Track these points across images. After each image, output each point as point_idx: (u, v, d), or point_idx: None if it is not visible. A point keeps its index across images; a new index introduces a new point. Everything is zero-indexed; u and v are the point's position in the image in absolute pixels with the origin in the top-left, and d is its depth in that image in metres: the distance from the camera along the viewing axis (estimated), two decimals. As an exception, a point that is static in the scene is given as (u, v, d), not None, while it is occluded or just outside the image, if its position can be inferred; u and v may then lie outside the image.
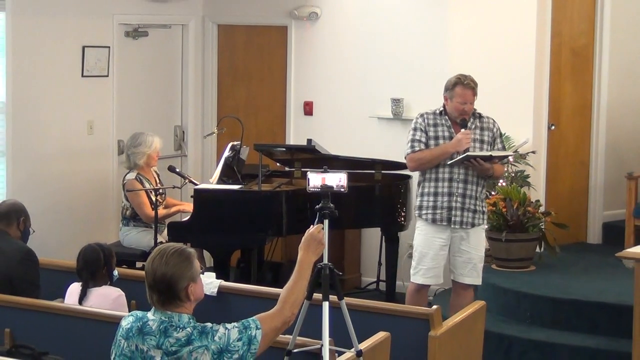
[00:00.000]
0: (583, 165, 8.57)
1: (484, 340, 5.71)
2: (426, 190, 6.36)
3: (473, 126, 6.32)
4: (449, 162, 6.26)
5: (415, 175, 7.71)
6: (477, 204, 6.33)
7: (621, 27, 8.52)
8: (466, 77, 6.27)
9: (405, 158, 6.44)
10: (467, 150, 6.21)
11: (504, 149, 6.48)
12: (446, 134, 6.30)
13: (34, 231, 5.94)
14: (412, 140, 6.34)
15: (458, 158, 6.21)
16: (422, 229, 6.41)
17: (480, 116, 6.37)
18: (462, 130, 6.24)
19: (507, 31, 8.00)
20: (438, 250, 6.34)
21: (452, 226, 6.29)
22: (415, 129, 6.36)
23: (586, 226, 8.64)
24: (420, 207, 6.39)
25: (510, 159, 7.53)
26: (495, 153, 6.28)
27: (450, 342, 5.13)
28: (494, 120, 6.42)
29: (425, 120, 6.35)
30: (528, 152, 7.88)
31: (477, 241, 6.37)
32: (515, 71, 8.00)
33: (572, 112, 8.48)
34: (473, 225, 6.32)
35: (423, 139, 6.31)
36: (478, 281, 6.43)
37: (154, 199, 7.47)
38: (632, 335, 5.81)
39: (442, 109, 6.36)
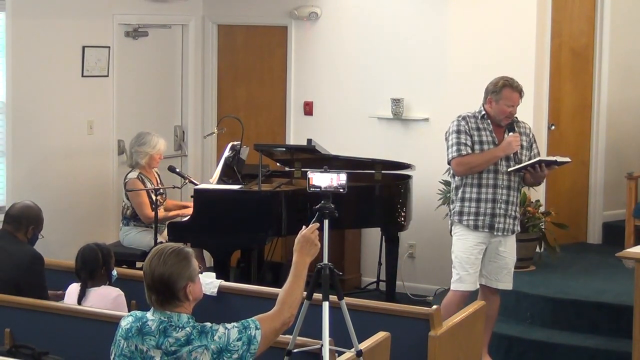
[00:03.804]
0: (583, 165, 8.57)
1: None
2: (467, 195, 6.16)
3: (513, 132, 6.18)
4: (509, 170, 6.11)
5: (416, 176, 7.76)
6: (517, 211, 6.23)
7: (621, 28, 8.52)
8: (513, 80, 6.16)
9: (449, 162, 6.18)
10: (516, 153, 6.10)
11: (539, 154, 6.32)
12: (489, 138, 6.13)
13: (42, 236, 5.93)
14: (458, 144, 6.10)
15: (528, 162, 6.08)
16: (461, 235, 6.21)
17: (517, 120, 6.24)
18: (511, 133, 6.10)
19: (507, 31, 7.99)
20: (478, 256, 6.18)
21: (495, 233, 6.14)
22: (459, 132, 6.13)
23: (586, 226, 8.63)
24: (460, 213, 6.17)
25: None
26: (559, 158, 6.20)
27: (450, 342, 5.12)
28: (529, 126, 6.33)
29: (469, 123, 6.14)
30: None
31: (513, 246, 6.27)
32: (515, 71, 7.94)
33: (572, 112, 8.48)
34: (513, 232, 6.23)
35: (469, 143, 6.10)
36: (509, 286, 6.32)
37: (154, 198, 7.47)
38: (632, 335, 5.81)
39: (483, 112, 6.17)
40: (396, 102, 8.23)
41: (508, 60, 7.97)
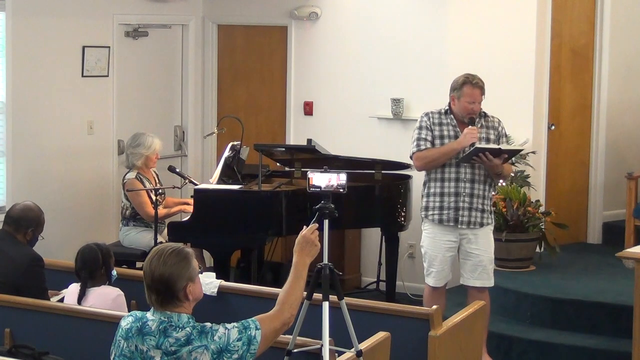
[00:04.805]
0: (583, 165, 8.57)
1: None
2: (432, 190, 6.29)
3: (479, 125, 6.27)
4: (457, 160, 6.19)
5: (416, 175, 7.76)
6: (485, 203, 6.28)
7: (621, 27, 8.52)
8: (474, 76, 6.24)
9: (410, 157, 6.36)
10: (474, 144, 6.15)
11: None
12: (451, 133, 6.25)
13: (42, 238, 5.93)
14: (418, 139, 6.27)
15: (467, 152, 6.12)
16: (429, 231, 6.35)
17: (485, 115, 6.34)
18: (469, 126, 6.18)
19: (507, 31, 7.99)
20: (445, 253, 6.30)
21: (460, 226, 6.23)
22: (420, 128, 6.30)
23: (586, 226, 8.64)
24: (426, 208, 6.32)
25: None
26: (504, 146, 6.21)
27: (450, 342, 5.12)
28: (499, 120, 6.38)
29: (431, 119, 6.29)
30: (528, 152, 7.88)
31: (486, 242, 6.32)
32: (515, 71, 7.99)
33: (572, 112, 8.48)
34: (482, 225, 6.27)
35: (429, 137, 6.24)
36: (489, 283, 6.37)
37: (154, 198, 7.47)
38: (632, 335, 5.81)
39: (447, 108, 6.30)
40: (396, 102, 8.23)
41: (508, 60, 7.98)
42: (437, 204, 6.27)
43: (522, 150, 6.34)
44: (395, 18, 8.29)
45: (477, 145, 6.14)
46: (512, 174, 7.72)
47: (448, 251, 6.31)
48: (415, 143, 6.28)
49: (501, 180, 7.58)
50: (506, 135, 6.44)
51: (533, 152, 7.93)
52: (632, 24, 8.62)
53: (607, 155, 8.56)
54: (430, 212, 6.30)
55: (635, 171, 8.06)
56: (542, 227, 7.59)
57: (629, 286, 6.00)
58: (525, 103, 8.03)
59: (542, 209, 7.70)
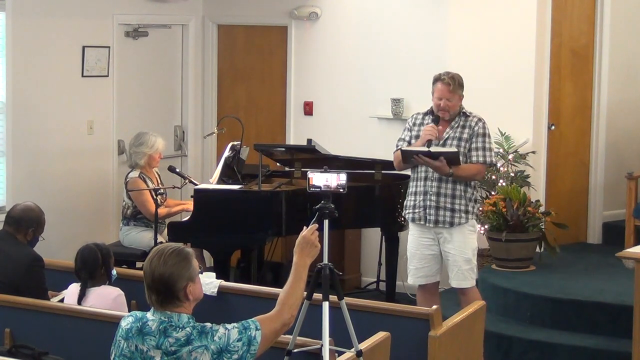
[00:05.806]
0: (583, 165, 8.57)
1: (484, 340, 5.70)
2: (409, 190, 6.42)
3: (456, 125, 6.30)
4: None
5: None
6: (455, 202, 6.24)
7: (621, 27, 8.52)
8: (447, 73, 6.31)
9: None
10: (431, 142, 6.14)
11: (483, 149, 6.26)
12: None
13: (43, 239, 5.93)
14: (398, 140, 6.41)
15: (402, 153, 6.20)
16: (410, 229, 6.47)
17: (466, 115, 6.33)
18: (432, 124, 6.23)
19: (507, 31, 8.00)
20: (423, 250, 6.35)
21: (428, 225, 6.28)
22: (404, 129, 6.45)
23: (586, 226, 8.63)
24: (405, 207, 6.44)
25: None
26: (434, 149, 6.13)
27: (450, 342, 5.13)
28: (478, 120, 6.31)
29: (413, 119, 6.42)
30: (528, 152, 7.88)
31: (461, 242, 6.28)
32: (515, 71, 7.99)
33: (572, 112, 8.48)
34: (452, 224, 6.24)
35: (407, 138, 6.36)
36: (465, 284, 6.31)
37: (155, 198, 7.47)
38: (632, 335, 5.81)
39: (430, 108, 6.38)
40: (396, 102, 8.22)
41: (508, 61, 7.98)
42: (411, 203, 6.37)
43: (457, 152, 6.22)
44: (395, 18, 8.28)
45: (447, 148, 6.17)
46: (513, 174, 7.72)
47: (427, 249, 6.35)
48: (396, 144, 6.40)
49: (501, 182, 7.60)
50: (485, 135, 6.29)
51: (533, 152, 7.93)
52: (632, 24, 8.62)
53: (607, 155, 8.55)
54: (406, 211, 6.41)
55: (635, 171, 8.06)
56: (542, 227, 7.59)
57: (629, 286, 6.00)
58: (525, 103, 8.03)
59: (542, 209, 7.69)
